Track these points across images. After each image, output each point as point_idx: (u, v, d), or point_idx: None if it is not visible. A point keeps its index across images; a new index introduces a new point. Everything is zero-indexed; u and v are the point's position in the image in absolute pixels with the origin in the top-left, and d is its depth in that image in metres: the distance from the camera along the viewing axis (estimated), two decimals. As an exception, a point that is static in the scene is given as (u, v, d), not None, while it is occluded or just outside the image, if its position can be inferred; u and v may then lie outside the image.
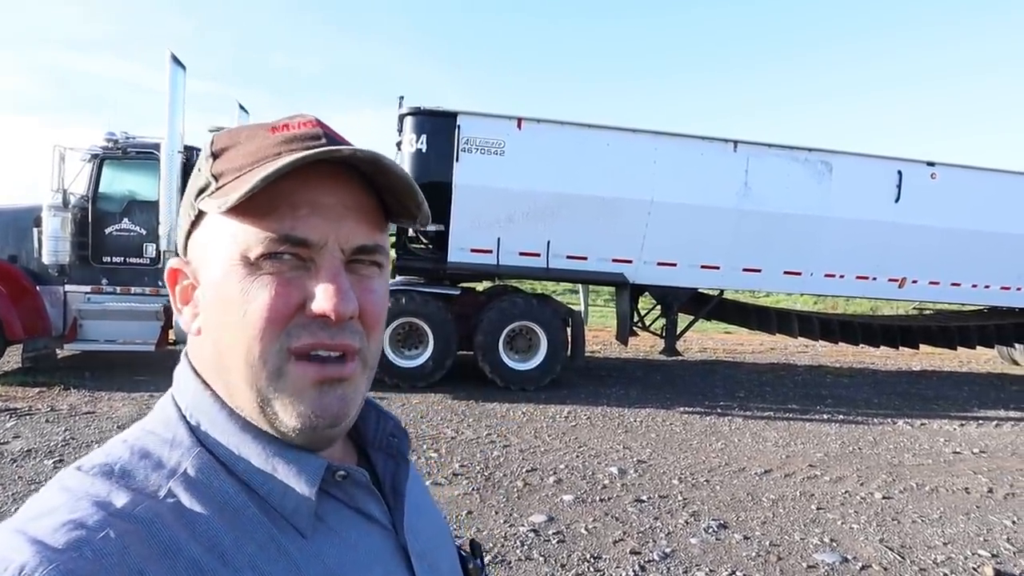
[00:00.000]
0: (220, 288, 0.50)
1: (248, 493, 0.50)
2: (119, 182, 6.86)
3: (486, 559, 3.14)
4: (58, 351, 7.29)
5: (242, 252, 0.49)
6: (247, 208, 0.48)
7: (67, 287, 6.74)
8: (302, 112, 0.56)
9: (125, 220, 6.78)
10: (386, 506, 0.59)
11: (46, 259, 6.53)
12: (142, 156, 6.81)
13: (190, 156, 6.62)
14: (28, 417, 5.22)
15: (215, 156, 0.53)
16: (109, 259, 6.76)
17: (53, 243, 6.47)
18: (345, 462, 0.58)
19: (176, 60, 6.27)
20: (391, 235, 8.17)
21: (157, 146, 6.64)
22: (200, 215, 0.53)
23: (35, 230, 6.63)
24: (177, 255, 0.58)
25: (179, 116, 6.36)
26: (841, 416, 6.62)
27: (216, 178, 0.51)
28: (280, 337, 0.49)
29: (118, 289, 6.78)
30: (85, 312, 6.75)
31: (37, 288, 6.74)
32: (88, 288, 6.74)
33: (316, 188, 0.50)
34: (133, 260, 6.82)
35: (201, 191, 0.52)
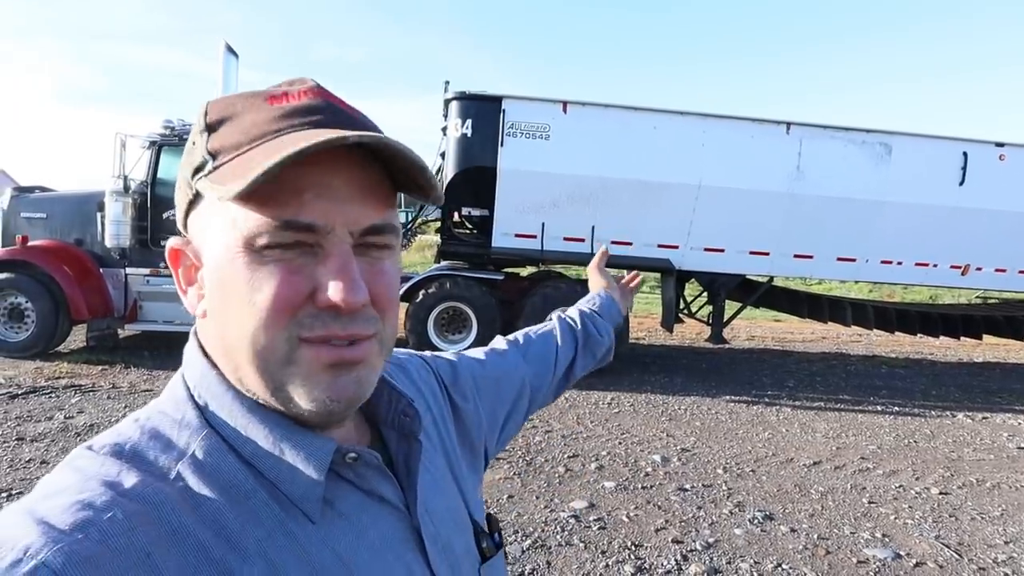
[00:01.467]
0: (224, 275, 0.48)
1: (257, 477, 0.49)
2: (176, 168, 7.06)
3: (526, 544, 3.16)
4: (120, 331, 7.62)
5: (245, 239, 0.46)
6: (248, 192, 0.45)
7: (128, 270, 6.99)
8: (302, 77, 0.53)
9: None
10: (399, 487, 0.57)
11: (108, 243, 6.80)
12: (197, 143, 7.01)
13: None
14: (92, 393, 5.49)
15: (210, 129, 0.50)
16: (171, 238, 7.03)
17: (115, 227, 6.71)
18: (358, 442, 0.58)
19: (230, 49, 6.42)
20: (435, 220, 8.21)
21: None
22: (198, 194, 0.50)
23: (98, 215, 6.90)
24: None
25: None
26: (896, 408, 6.36)
27: (213, 156, 0.48)
28: (289, 327, 0.47)
29: None
30: (144, 294, 7.03)
31: (100, 270, 7.02)
32: (147, 271, 6.99)
33: (321, 169, 0.47)
34: None
35: (197, 170, 0.49)
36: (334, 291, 0.47)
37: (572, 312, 1.10)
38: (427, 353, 0.83)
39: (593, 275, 1.26)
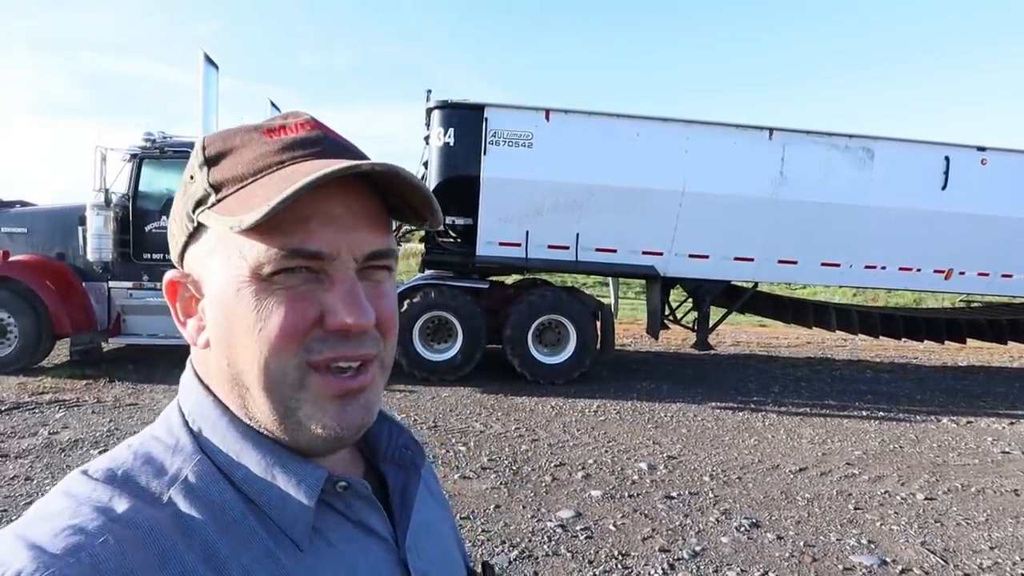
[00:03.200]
0: (231, 306, 0.49)
1: (247, 503, 0.50)
2: (158, 181, 7.04)
3: (513, 554, 3.15)
4: (103, 345, 7.57)
5: (252, 268, 0.48)
6: (262, 223, 0.46)
7: (111, 283, 6.96)
8: (296, 111, 0.54)
9: (164, 218, 6.95)
10: (390, 520, 0.58)
11: (90, 256, 6.76)
12: (179, 155, 6.97)
13: None
14: (76, 408, 5.43)
15: (210, 163, 0.51)
16: (149, 256, 6.95)
17: (97, 241, 6.68)
18: (349, 473, 0.57)
19: (209, 60, 6.41)
20: (420, 229, 8.22)
21: (192, 145, 6.77)
22: (199, 227, 0.51)
23: (80, 228, 6.86)
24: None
25: (213, 114, 6.51)
26: (881, 413, 6.40)
27: (215, 189, 0.49)
28: (299, 352, 0.49)
29: (158, 285, 6.98)
30: (128, 307, 6.98)
31: (83, 284, 6.98)
32: (130, 284, 6.94)
33: (325, 198, 0.48)
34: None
35: (199, 203, 0.50)
36: (345, 314, 0.48)
37: None
38: None
39: None
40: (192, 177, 0.52)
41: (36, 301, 6.58)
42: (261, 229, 0.46)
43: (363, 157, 0.53)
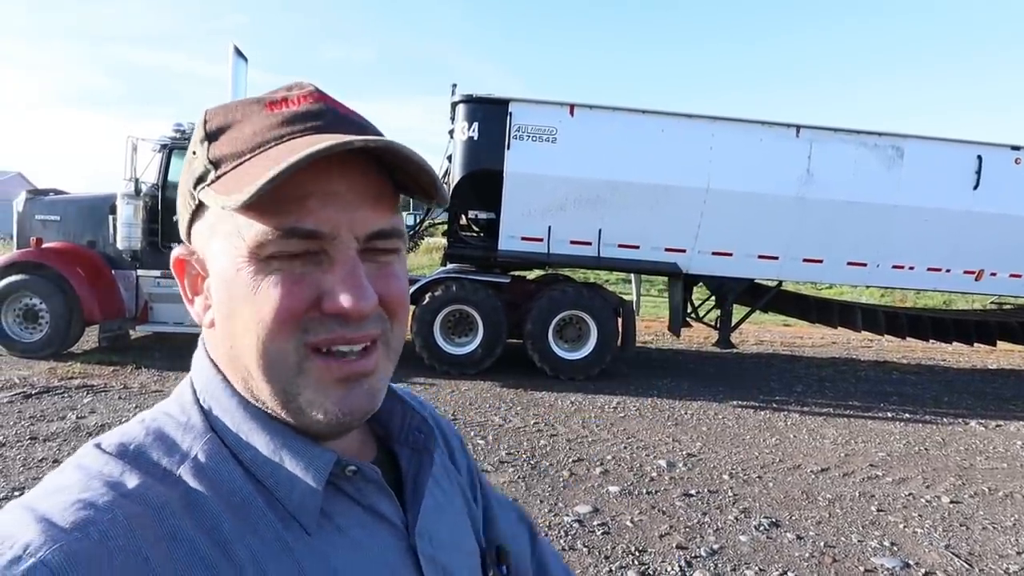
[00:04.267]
0: (230, 285, 0.48)
1: (255, 484, 0.49)
2: (187, 171, 7.17)
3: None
4: (131, 332, 7.72)
5: (250, 248, 0.46)
6: (253, 202, 0.45)
7: (139, 271, 7.07)
8: (300, 81, 0.52)
9: None
10: (401, 504, 0.57)
11: (120, 245, 6.87)
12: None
13: None
14: (103, 394, 5.55)
15: (210, 138, 0.49)
16: (177, 245, 7.10)
17: (126, 230, 6.79)
18: (361, 457, 0.57)
19: (239, 52, 6.49)
20: (442, 223, 8.25)
21: None
22: (201, 205, 0.50)
23: (110, 217, 6.97)
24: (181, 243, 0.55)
25: None
26: (907, 414, 6.28)
27: (215, 165, 0.48)
28: (297, 334, 0.47)
29: None
30: (155, 295, 7.10)
31: (112, 272, 7.09)
32: (158, 273, 7.04)
33: (325, 175, 0.46)
34: None
35: (200, 180, 0.49)
36: (343, 298, 0.47)
37: None
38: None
39: None
40: (194, 152, 0.50)
41: (67, 288, 6.69)
42: (258, 207, 0.45)
43: (371, 131, 0.51)
